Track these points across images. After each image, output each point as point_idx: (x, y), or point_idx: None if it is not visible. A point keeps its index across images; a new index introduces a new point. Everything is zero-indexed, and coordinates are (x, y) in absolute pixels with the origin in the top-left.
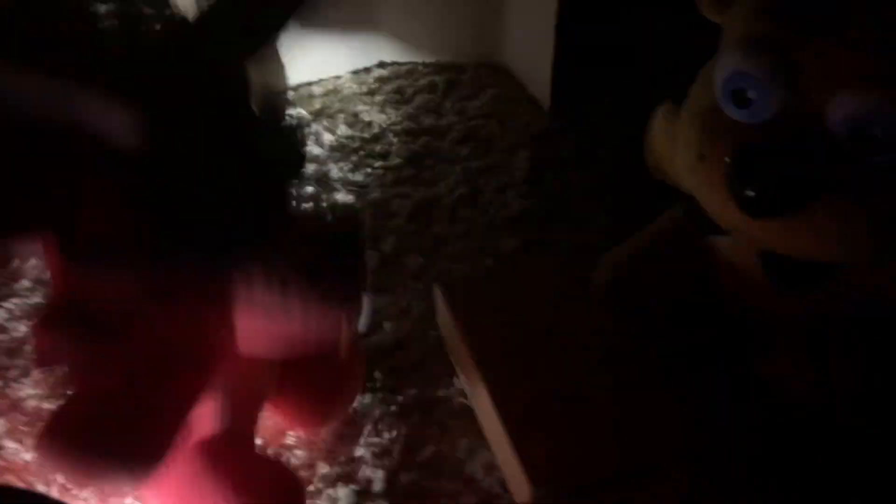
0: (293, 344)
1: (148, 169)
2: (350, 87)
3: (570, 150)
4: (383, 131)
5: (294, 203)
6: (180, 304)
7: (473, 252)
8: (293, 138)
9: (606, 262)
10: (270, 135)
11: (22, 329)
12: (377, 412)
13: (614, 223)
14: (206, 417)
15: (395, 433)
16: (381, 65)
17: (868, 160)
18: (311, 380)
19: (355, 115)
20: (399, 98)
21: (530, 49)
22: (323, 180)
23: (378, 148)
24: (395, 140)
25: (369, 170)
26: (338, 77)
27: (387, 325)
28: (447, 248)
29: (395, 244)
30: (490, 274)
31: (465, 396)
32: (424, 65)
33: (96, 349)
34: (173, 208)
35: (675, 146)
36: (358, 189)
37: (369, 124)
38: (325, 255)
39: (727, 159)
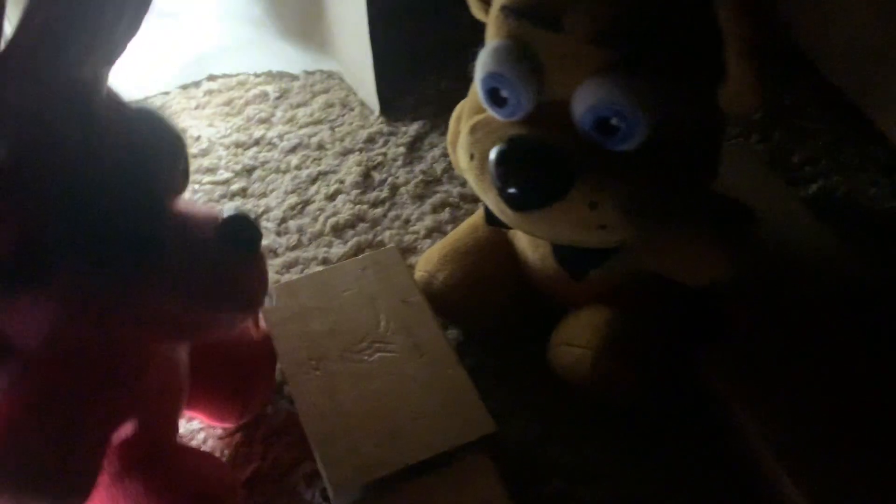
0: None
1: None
2: (179, 102)
3: (400, 153)
4: (212, 145)
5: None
6: (91, 321)
7: (302, 263)
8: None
9: (421, 260)
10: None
11: None
12: (200, 436)
13: (439, 225)
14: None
15: (218, 454)
16: (211, 77)
17: (613, 148)
18: (226, 374)
19: (183, 130)
20: (229, 110)
21: (354, 54)
22: None
23: (206, 163)
24: (224, 153)
25: (196, 186)
26: (166, 93)
27: None
28: (276, 260)
29: None
30: (308, 280)
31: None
32: (256, 75)
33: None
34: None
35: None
36: None
37: (198, 139)
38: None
39: (490, 157)
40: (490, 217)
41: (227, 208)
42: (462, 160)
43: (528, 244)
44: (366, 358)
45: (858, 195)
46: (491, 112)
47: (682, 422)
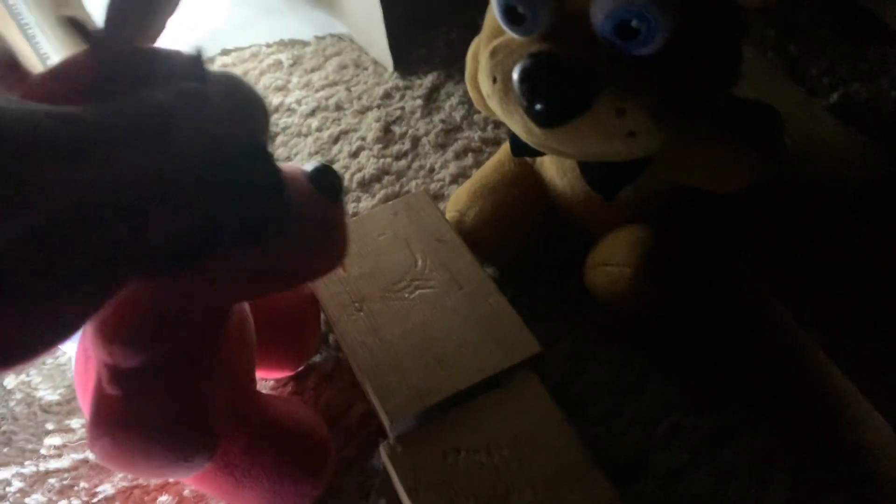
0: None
1: None
2: None
3: (417, 105)
4: None
5: None
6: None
7: None
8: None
9: (451, 201)
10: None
11: None
12: None
13: (463, 171)
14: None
15: None
16: (224, 52)
17: (635, 53)
18: (280, 326)
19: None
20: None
21: (363, 15)
22: None
23: None
24: None
25: None
26: None
27: None
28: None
29: None
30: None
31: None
32: (268, 45)
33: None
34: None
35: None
36: None
37: None
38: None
39: (513, 76)
40: (516, 147)
41: (309, 164)
42: (485, 86)
43: (555, 172)
44: (406, 296)
45: (880, 100)
46: (509, 32)
47: (715, 330)
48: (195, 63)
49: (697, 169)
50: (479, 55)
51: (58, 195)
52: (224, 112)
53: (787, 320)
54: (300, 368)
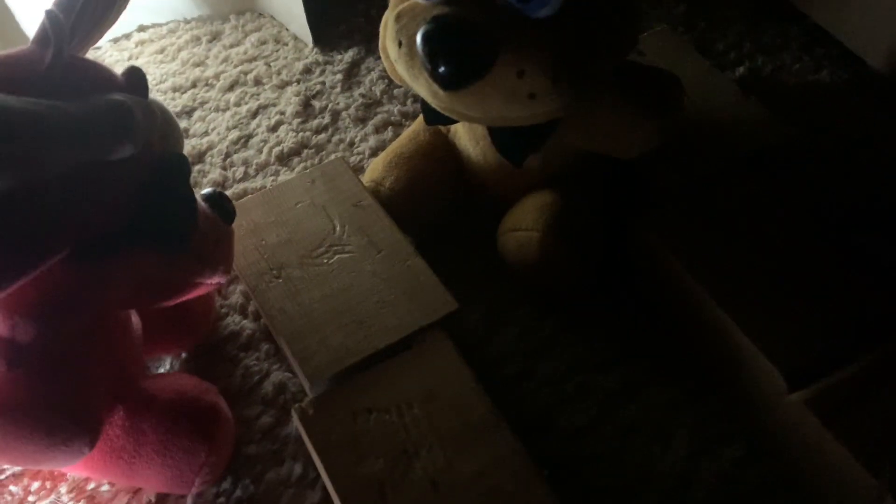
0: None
1: None
2: (111, 55)
3: (337, 80)
4: (149, 92)
5: None
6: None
7: (254, 191)
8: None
9: (367, 171)
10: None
11: None
12: (166, 360)
13: (383, 144)
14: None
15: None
16: (141, 28)
17: (533, 16)
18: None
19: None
20: (162, 58)
21: None
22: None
23: None
24: (161, 98)
25: None
26: (97, 48)
27: None
28: (226, 193)
29: None
30: (258, 198)
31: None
32: (186, 21)
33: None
34: None
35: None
36: None
37: None
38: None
39: (417, 40)
40: (428, 115)
41: (205, 189)
42: (392, 51)
43: (468, 141)
44: (325, 261)
45: (783, 72)
46: None
47: (621, 290)
48: (139, 78)
49: (599, 135)
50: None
51: (45, 166)
52: (161, 125)
53: (684, 277)
54: (195, 344)
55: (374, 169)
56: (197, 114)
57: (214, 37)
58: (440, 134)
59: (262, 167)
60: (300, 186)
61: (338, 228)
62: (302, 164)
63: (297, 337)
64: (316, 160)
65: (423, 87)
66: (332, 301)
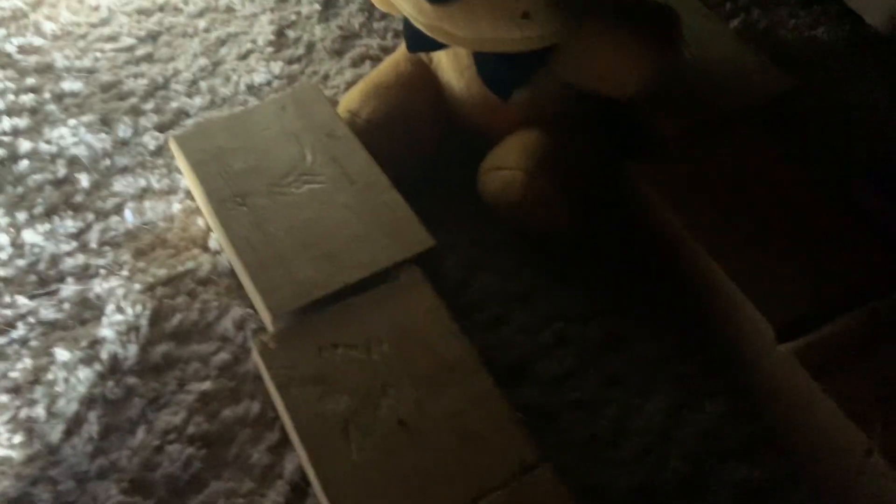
0: None
1: None
2: None
3: (314, 10)
4: (112, 14)
5: None
6: None
7: None
8: None
9: (343, 101)
10: None
11: None
12: (120, 292)
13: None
14: None
15: (139, 308)
16: None
17: None
18: None
19: None
20: None
21: None
22: (46, 71)
23: (107, 31)
24: (126, 21)
25: (99, 55)
26: None
27: (129, 206)
28: (188, 121)
29: (133, 124)
30: (224, 120)
31: (219, 254)
32: None
33: None
34: None
35: None
36: (86, 74)
37: (96, 8)
38: None
39: None
40: (412, 40)
41: None
42: None
43: (452, 72)
44: (294, 190)
45: (779, 27)
46: None
47: (609, 242)
48: None
49: (593, 68)
50: None
51: None
52: None
53: (676, 225)
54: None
55: (350, 99)
56: (163, 38)
57: None
58: (422, 64)
59: (230, 96)
60: (270, 112)
61: (309, 158)
62: (273, 96)
63: (260, 268)
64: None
65: (409, 2)
66: (300, 232)
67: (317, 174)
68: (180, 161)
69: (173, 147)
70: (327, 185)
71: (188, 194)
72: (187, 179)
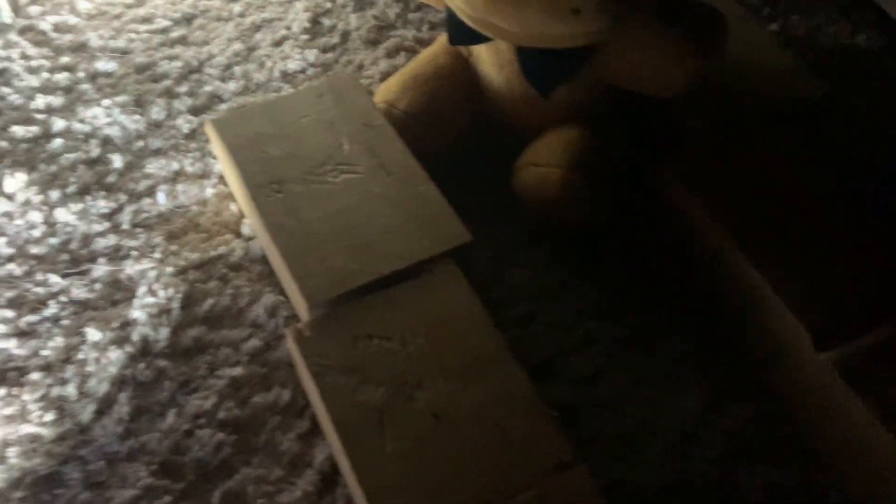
0: None
1: None
2: None
3: None
4: None
5: None
6: None
7: None
8: None
9: (379, 91)
10: None
11: None
12: (152, 275)
13: (394, 70)
14: None
15: (171, 292)
16: None
17: None
18: None
19: None
20: None
21: None
22: (80, 50)
23: (142, 12)
24: (160, 2)
25: (133, 35)
26: None
27: (161, 189)
28: (221, 106)
29: (166, 107)
30: (261, 106)
31: (251, 240)
32: None
33: None
34: None
35: None
36: (120, 55)
37: None
38: None
39: None
40: (455, 33)
41: None
42: None
43: (492, 66)
44: (330, 179)
45: (818, 34)
46: None
47: (637, 236)
48: None
49: (638, 69)
50: None
51: None
52: None
53: (709, 226)
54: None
55: (388, 89)
56: (197, 21)
57: None
58: (461, 58)
59: (263, 83)
60: (306, 99)
61: (346, 147)
62: (307, 84)
63: (296, 255)
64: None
65: None
66: (336, 221)
67: (353, 164)
68: (216, 145)
69: (209, 131)
70: (364, 175)
71: (221, 179)
72: (222, 164)
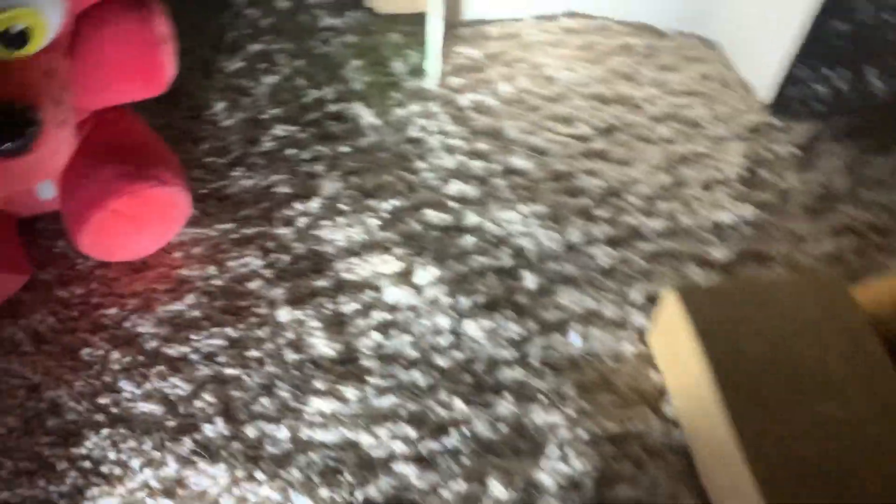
0: None
1: None
2: (532, 33)
3: (790, 153)
4: (568, 91)
5: None
6: None
7: (674, 256)
8: None
9: (868, 295)
10: None
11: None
12: (564, 434)
13: (841, 254)
14: None
15: (584, 463)
16: (570, 14)
17: None
18: None
19: (536, 66)
20: (588, 56)
21: (753, 28)
22: (496, 137)
23: (562, 110)
24: (582, 104)
25: (550, 135)
26: (517, 20)
27: (573, 327)
28: (642, 245)
29: (583, 229)
30: (736, 288)
31: (674, 425)
32: (618, 22)
33: None
34: None
35: None
36: (538, 155)
37: (551, 80)
38: None
39: None
40: None
41: None
42: None
43: None
44: (814, 406)
45: None
46: None
47: None
48: None
49: None
50: None
51: None
52: None
53: None
54: None
55: (880, 301)
56: (619, 136)
57: (650, 52)
58: None
59: (690, 230)
60: (786, 293)
61: (833, 368)
62: (740, 246)
63: (776, 488)
64: (756, 243)
65: None
66: (824, 460)
67: (841, 391)
68: (678, 318)
69: (672, 300)
70: (855, 410)
71: (640, 335)
72: (669, 336)
